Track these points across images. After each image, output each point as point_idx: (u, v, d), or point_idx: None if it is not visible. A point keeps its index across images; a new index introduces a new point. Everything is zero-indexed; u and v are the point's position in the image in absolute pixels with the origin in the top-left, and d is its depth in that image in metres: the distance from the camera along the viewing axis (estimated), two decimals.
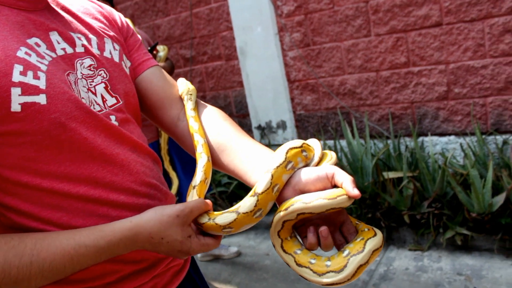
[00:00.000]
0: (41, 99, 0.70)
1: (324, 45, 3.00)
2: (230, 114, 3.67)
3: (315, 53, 3.05)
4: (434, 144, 2.79)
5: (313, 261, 0.74)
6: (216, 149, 0.88)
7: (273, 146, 3.42)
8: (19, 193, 0.71)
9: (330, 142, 3.10)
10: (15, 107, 0.67)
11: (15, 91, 0.67)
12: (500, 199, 2.33)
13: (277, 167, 0.73)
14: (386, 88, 2.87)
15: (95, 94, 0.81)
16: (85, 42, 0.84)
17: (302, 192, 0.73)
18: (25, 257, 0.65)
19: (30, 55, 0.72)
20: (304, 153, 0.76)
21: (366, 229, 0.74)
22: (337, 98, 3.06)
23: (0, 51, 0.69)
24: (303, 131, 3.30)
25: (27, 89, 0.68)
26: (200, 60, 3.65)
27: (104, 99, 0.83)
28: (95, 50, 0.85)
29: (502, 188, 2.40)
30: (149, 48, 2.44)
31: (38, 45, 0.75)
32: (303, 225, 0.77)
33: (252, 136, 3.52)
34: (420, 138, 2.82)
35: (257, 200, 0.73)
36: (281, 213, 0.73)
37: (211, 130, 0.90)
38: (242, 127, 3.38)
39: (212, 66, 3.61)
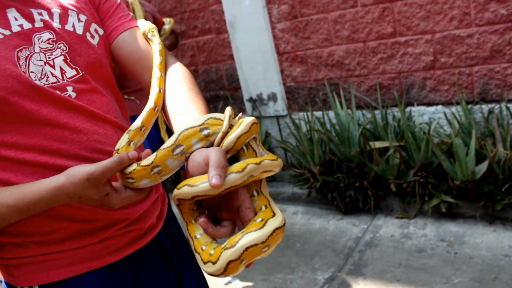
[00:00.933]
0: None
1: (311, 16, 2.99)
2: (222, 87, 3.69)
3: (302, 25, 3.05)
4: (421, 114, 2.81)
5: (204, 247, 0.72)
6: (168, 112, 0.90)
7: (264, 118, 3.46)
8: None
9: (319, 113, 3.13)
10: None
11: None
12: (483, 167, 2.37)
13: (164, 149, 0.74)
14: (374, 59, 2.88)
15: (53, 66, 0.86)
16: (46, 17, 0.88)
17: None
18: None
19: None
20: (205, 132, 0.75)
21: (264, 208, 0.71)
22: (325, 70, 3.08)
23: None
24: (293, 103, 3.33)
25: None
26: (190, 35, 3.65)
27: (63, 71, 0.87)
28: (56, 24, 0.89)
29: (486, 156, 2.43)
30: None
31: None
32: (220, 210, 0.75)
33: (244, 109, 3.55)
34: (408, 108, 2.84)
35: (177, 135, 0.75)
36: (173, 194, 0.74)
37: (168, 92, 0.92)
38: (235, 100, 3.39)
39: (202, 40, 3.61)
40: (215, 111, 3.75)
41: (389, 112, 2.91)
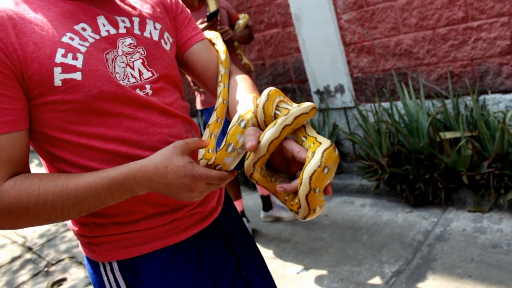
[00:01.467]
0: (78, 75, 0.88)
1: (377, 5, 2.93)
2: (289, 80, 3.73)
3: (369, 15, 3.00)
4: (497, 102, 2.67)
5: (286, 198, 0.85)
6: (230, 108, 1.05)
7: (331, 110, 3.45)
8: (63, 147, 0.92)
9: (386, 104, 3.07)
10: (57, 82, 0.86)
11: (57, 70, 0.86)
12: None
13: (220, 150, 0.89)
14: (444, 46, 2.77)
15: (133, 68, 0.97)
16: (128, 24, 0.99)
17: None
18: (58, 186, 0.83)
19: (73, 39, 0.89)
20: (242, 124, 0.88)
21: (312, 144, 0.80)
22: (393, 59, 3.01)
23: (49, 38, 0.87)
24: (361, 94, 3.29)
25: (67, 68, 0.86)
26: (257, 29, 3.71)
27: (141, 73, 0.98)
28: (136, 31, 1.00)
29: None
30: (208, 14, 2.53)
31: (84, 29, 0.92)
32: (286, 166, 0.87)
33: (312, 101, 3.56)
34: (482, 97, 2.71)
35: (226, 136, 0.88)
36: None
37: (232, 91, 1.07)
38: (302, 93, 3.43)
39: (269, 34, 3.66)
40: None
41: (461, 101, 2.79)
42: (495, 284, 2.04)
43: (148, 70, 0.99)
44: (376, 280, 2.29)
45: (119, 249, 0.99)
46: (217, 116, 1.03)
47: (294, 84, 3.71)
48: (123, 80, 0.94)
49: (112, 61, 0.94)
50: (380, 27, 2.98)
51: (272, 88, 0.89)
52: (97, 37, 0.93)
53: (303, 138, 0.84)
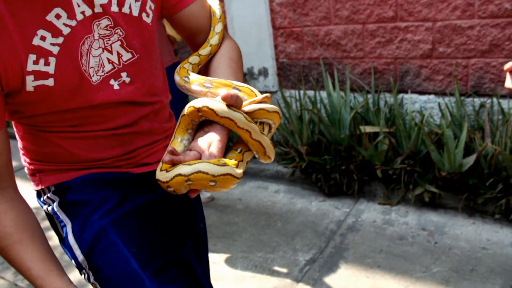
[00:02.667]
0: (50, 82, 0.86)
1: None
2: None
3: (302, 1, 2.97)
4: (413, 102, 2.80)
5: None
6: (211, 70, 1.02)
7: None
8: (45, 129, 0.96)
9: (311, 93, 3.08)
10: (29, 88, 0.85)
11: (29, 78, 0.83)
12: (471, 160, 2.38)
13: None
14: (371, 42, 2.83)
15: (111, 52, 0.91)
16: (104, 1, 0.89)
17: None
18: (2, 243, 0.89)
19: (45, 39, 0.83)
20: (240, 94, 0.88)
21: (231, 161, 0.78)
22: (321, 49, 3.02)
23: (18, 42, 0.81)
24: (284, 79, 3.27)
25: (39, 76, 0.84)
26: None
27: (120, 55, 0.93)
28: (113, 8, 0.91)
29: (474, 149, 2.44)
30: None
31: (59, 17, 0.84)
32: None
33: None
34: (400, 95, 2.82)
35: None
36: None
37: (218, 55, 1.05)
38: None
39: None
40: None
41: (381, 98, 2.89)
42: (401, 274, 2.14)
43: (128, 51, 0.94)
44: (290, 268, 2.29)
45: (56, 174, 1.01)
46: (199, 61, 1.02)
47: None
48: (96, 74, 0.91)
49: (87, 53, 0.89)
50: (312, 15, 2.97)
51: (278, 110, 0.86)
52: (73, 23, 0.86)
53: (238, 150, 0.83)
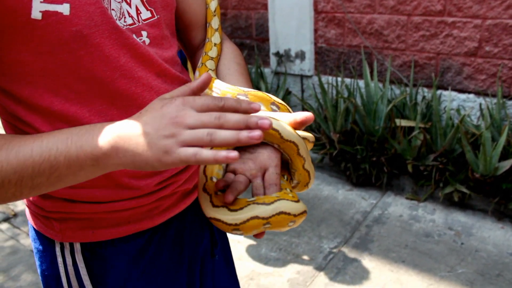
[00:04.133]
0: (64, 9, 0.64)
1: None
2: (249, 36, 3.57)
3: None
4: (451, 100, 2.76)
5: (219, 192, 0.67)
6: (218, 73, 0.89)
7: (289, 75, 3.37)
8: (33, 110, 0.71)
9: (348, 81, 3.06)
10: (35, 14, 0.62)
11: None
12: (507, 164, 2.35)
13: (234, 88, 0.79)
14: (415, 35, 2.78)
15: (129, 4, 0.75)
16: None
17: None
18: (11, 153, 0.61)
19: None
20: (274, 107, 0.75)
21: (290, 193, 0.65)
22: (362, 37, 2.97)
23: None
24: (321, 65, 3.24)
25: None
26: None
27: (139, 11, 0.77)
28: None
29: (511, 154, 2.41)
30: None
31: None
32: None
33: (269, 62, 3.46)
34: (439, 91, 2.78)
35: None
36: None
37: (223, 59, 0.91)
38: (260, 52, 3.28)
39: None
40: None
41: (419, 92, 2.85)
42: (425, 271, 2.15)
43: (148, 9, 0.78)
44: (314, 254, 2.32)
45: (86, 229, 0.79)
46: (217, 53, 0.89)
47: (254, 41, 3.57)
48: (119, 20, 0.72)
49: None
50: (356, 2, 2.91)
51: (313, 139, 0.77)
52: None
53: (291, 173, 0.73)
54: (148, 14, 0.78)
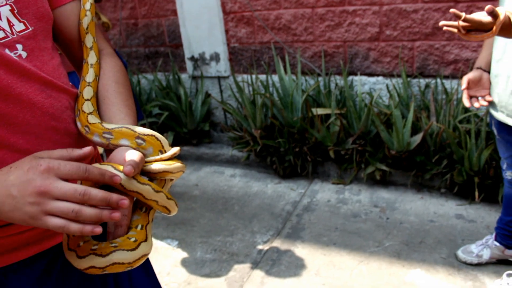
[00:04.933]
0: None
1: None
2: (163, 44, 3.53)
3: None
4: (362, 84, 2.88)
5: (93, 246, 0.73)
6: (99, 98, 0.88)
7: (205, 78, 3.37)
8: None
9: (263, 77, 3.10)
10: None
11: None
12: (418, 138, 2.49)
13: (99, 123, 0.81)
14: (321, 26, 2.88)
15: (0, 18, 0.74)
16: None
17: None
18: None
19: None
20: (139, 141, 0.80)
21: (133, 237, 0.73)
22: (272, 33, 3.04)
23: None
24: (236, 64, 3.27)
25: None
26: None
27: (11, 24, 0.75)
28: None
29: (420, 128, 2.56)
30: None
31: None
32: None
33: (185, 68, 3.44)
34: (350, 77, 2.90)
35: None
36: None
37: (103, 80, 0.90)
38: (175, 58, 3.25)
39: None
40: (154, 68, 3.60)
41: (332, 80, 2.95)
42: (356, 250, 2.23)
43: (20, 21, 0.76)
44: (249, 250, 2.33)
45: None
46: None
47: (168, 48, 3.53)
48: None
49: None
50: None
51: (183, 169, 0.81)
52: None
53: (143, 209, 0.78)
54: (22, 26, 0.77)
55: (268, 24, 3.03)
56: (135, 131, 0.80)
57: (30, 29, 0.78)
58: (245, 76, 3.20)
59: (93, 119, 0.81)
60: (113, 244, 0.70)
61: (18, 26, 0.76)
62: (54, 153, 0.66)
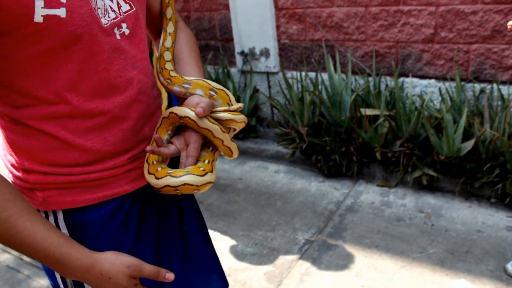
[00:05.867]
0: (62, 12, 0.75)
1: None
2: (214, 37, 3.59)
3: None
4: (414, 86, 2.83)
5: (154, 162, 0.91)
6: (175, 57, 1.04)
7: (254, 73, 3.40)
8: (31, 104, 0.82)
9: (312, 74, 3.10)
10: (38, 18, 0.73)
11: (39, 3, 0.72)
12: (469, 145, 2.42)
13: (180, 76, 0.97)
14: (374, 25, 2.84)
15: (112, 0, 0.86)
16: None
17: None
18: (5, 213, 0.74)
19: None
20: (212, 92, 0.94)
21: (202, 166, 0.88)
22: (323, 30, 3.02)
23: None
24: (286, 61, 3.28)
25: (49, 2, 0.74)
26: None
27: (119, 5, 0.88)
28: None
29: (473, 134, 2.48)
30: None
31: None
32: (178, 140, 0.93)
33: (235, 62, 3.48)
34: (401, 79, 2.85)
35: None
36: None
37: (178, 46, 1.06)
38: (225, 52, 3.30)
39: None
40: (204, 61, 3.66)
41: (382, 81, 2.91)
42: (398, 254, 2.20)
43: (126, 3, 0.90)
44: (290, 246, 2.34)
45: (66, 196, 0.88)
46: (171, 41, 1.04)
47: (218, 42, 3.58)
48: (104, 17, 0.84)
49: None
50: None
51: (245, 120, 0.96)
52: None
53: (210, 148, 0.95)
54: (127, 7, 0.90)
55: (319, 21, 3.02)
56: (209, 84, 0.94)
57: (134, 9, 0.91)
58: (294, 73, 3.21)
59: (174, 73, 0.97)
60: (186, 169, 0.86)
61: (124, 7, 0.89)
62: (144, 271, 0.87)
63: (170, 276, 0.88)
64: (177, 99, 1.05)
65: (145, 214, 1.00)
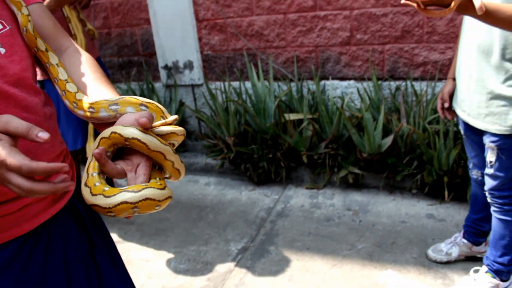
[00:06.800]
0: None
1: None
2: (136, 53, 3.52)
3: None
4: (334, 88, 2.89)
5: (97, 184, 0.76)
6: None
7: (179, 87, 3.36)
8: None
9: (236, 84, 3.10)
10: None
11: None
12: (388, 141, 2.50)
13: (104, 100, 0.85)
14: (293, 31, 2.89)
15: None
16: None
17: None
18: None
19: None
20: (143, 107, 0.84)
21: (158, 181, 0.76)
22: (244, 39, 3.04)
23: None
24: (209, 72, 3.26)
25: None
26: None
27: None
28: None
29: (391, 130, 2.57)
30: None
31: None
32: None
33: (159, 77, 3.43)
34: (322, 82, 2.91)
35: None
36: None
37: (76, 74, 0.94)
38: (149, 67, 3.24)
39: (117, 1, 3.39)
40: (128, 78, 3.58)
41: (304, 85, 2.96)
42: (329, 254, 2.22)
43: None
44: (223, 258, 2.30)
45: None
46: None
47: (141, 57, 3.51)
48: None
49: None
50: (234, 6, 2.98)
51: (184, 132, 0.84)
52: None
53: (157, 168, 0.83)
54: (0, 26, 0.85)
55: (240, 31, 3.04)
56: (138, 99, 0.85)
57: (7, 28, 0.85)
58: (218, 83, 3.20)
59: (92, 100, 0.86)
60: (143, 184, 0.74)
61: None
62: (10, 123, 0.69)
63: (43, 135, 0.68)
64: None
65: (51, 247, 0.93)
